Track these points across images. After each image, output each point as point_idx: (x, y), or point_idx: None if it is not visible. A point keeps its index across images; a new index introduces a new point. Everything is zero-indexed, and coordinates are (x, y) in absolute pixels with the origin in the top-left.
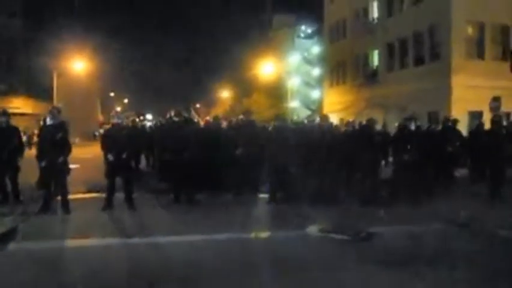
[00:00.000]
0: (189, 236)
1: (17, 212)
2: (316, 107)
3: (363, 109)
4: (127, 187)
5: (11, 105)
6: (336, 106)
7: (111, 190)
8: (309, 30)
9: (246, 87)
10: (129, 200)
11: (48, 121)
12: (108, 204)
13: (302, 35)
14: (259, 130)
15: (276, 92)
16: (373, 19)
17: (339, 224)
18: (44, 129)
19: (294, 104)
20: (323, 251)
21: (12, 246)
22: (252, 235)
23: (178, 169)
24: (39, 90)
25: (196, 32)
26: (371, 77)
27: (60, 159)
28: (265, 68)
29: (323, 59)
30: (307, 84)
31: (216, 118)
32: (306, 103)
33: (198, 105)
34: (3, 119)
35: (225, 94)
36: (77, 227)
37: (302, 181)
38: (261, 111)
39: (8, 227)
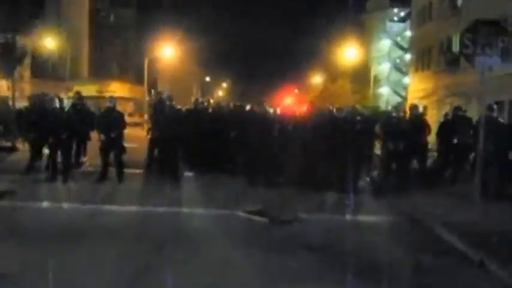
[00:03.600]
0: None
1: None
2: (406, 94)
3: (444, 97)
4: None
5: (109, 89)
6: (419, 93)
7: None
8: (402, 13)
9: (334, 72)
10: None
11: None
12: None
13: (395, 18)
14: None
15: (363, 78)
16: (458, 0)
17: (270, 208)
18: None
19: (383, 90)
20: (230, 230)
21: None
22: (187, 210)
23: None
24: (138, 76)
25: (294, 17)
26: (453, 63)
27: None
28: (353, 53)
29: (410, 44)
30: (398, 69)
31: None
32: (396, 89)
33: (296, 91)
34: (111, 104)
35: (317, 79)
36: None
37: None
38: (345, 96)
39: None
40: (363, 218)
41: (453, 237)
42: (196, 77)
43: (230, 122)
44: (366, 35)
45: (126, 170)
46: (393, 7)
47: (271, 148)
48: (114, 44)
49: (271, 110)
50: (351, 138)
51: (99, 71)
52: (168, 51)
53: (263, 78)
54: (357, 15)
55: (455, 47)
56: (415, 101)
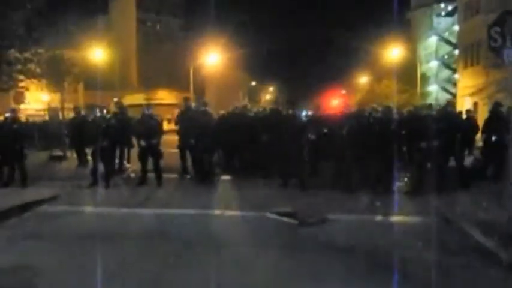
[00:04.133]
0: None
1: None
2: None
3: (495, 93)
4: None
5: (157, 97)
6: (469, 90)
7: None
8: (449, 7)
9: (379, 72)
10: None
11: None
12: None
13: (442, 13)
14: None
15: (410, 77)
16: None
17: (299, 209)
18: None
19: (431, 88)
20: (258, 231)
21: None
22: (218, 212)
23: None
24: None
25: (339, 18)
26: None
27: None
28: (399, 52)
29: (458, 39)
30: (447, 66)
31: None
32: (446, 87)
33: (343, 91)
34: (148, 111)
35: (363, 80)
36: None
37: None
38: (392, 96)
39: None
40: (394, 218)
41: (485, 238)
42: (242, 82)
43: (263, 125)
44: (412, 33)
45: (164, 175)
46: (439, 2)
47: (301, 150)
48: (161, 53)
49: (303, 113)
50: (384, 139)
51: (148, 80)
52: (214, 57)
53: (310, 80)
54: (402, 13)
55: None
56: (466, 98)
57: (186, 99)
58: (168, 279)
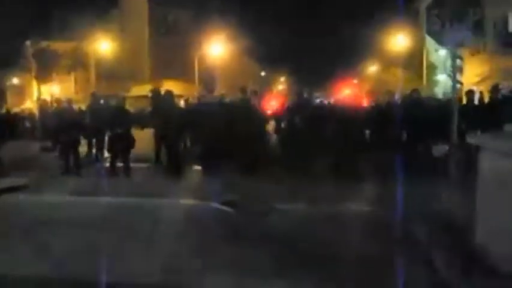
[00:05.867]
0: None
1: None
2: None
3: (502, 81)
4: None
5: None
6: (476, 78)
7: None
8: None
9: (387, 61)
10: None
11: None
12: None
13: None
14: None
15: (417, 65)
16: None
17: (250, 198)
18: None
19: (440, 77)
20: (193, 220)
21: None
22: (166, 201)
23: None
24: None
25: (348, 6)
26: (509, 43)
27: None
28: (405, 40)
29: None
30: (457, 55)
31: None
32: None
33: (355, 81)
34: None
35: (373, 68)
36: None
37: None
38: (398, 84)
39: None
40: (343, 209)
41: (420, 230)
42: (252, 71)
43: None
44: (420, 21)
45: (138, 164)
46: None
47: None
48: (173, 44)
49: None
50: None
51: (159, 71)
52: (222, 48)
53: (321, 69)
54: (411, 1)
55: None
56: (472, 87)
57: (155, 91)
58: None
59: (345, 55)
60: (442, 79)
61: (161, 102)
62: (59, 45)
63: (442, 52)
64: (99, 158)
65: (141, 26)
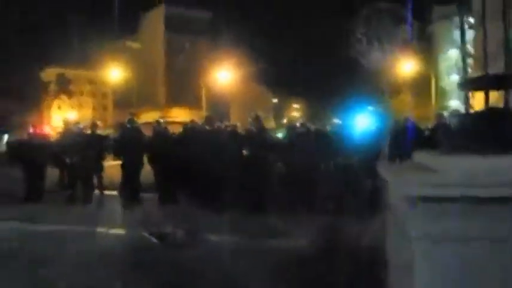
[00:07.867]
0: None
1: None
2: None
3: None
4: None
5: (171, 114)
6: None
7: None
8: (472, 19)
9: (396, 86)
10: None
11: None
12: None
13: (466, 25)
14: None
15: (426, 91)
16: None
17: (184, 229)
18: None
19: (452, 103)
20: (110, 250)
21: None
22: (101, 230)
23: None
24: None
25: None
26: None
27: None
28: (414, 66)
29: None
30: None
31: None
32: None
33: (370, 108)
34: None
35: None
36: None
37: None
38: (406, 110)
39: None
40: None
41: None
42: (265, 99)
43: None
44: (431, 47)
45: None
46: (462, 14)
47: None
48: (188, 71)
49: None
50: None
51: (172, 98)
52: (235, 76)
53: (334, 95)
54: (421, 27)
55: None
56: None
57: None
58: None
59: (361, 79)
60: (454, 105)
61: (127, 131)
62: (78, 73)
63: (454, 77)
64: (69, 184)
65: (158, 55)
